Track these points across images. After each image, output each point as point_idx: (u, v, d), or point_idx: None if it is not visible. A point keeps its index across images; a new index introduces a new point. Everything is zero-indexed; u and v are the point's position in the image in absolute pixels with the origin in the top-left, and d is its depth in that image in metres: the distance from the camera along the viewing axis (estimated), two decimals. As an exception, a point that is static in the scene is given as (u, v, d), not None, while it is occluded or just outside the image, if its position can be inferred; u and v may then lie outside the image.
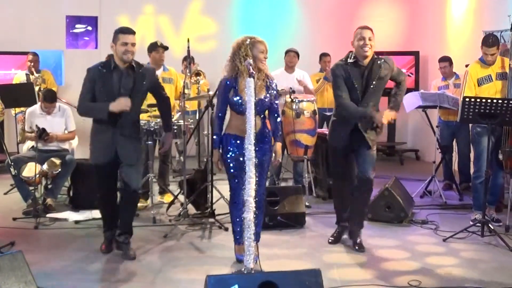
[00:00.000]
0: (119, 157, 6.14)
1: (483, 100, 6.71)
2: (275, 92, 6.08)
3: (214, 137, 6.07)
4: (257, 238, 6.02)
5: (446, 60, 9.54)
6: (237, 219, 6.04)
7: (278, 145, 6.10)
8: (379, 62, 6.28)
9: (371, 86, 6.23)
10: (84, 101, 6.10)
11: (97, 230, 7.24)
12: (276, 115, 6.14)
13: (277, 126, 6.14)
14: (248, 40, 5.85)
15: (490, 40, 7.34)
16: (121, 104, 5.93)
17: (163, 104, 6.60)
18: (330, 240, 6.77)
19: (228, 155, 5.99)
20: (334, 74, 6.35)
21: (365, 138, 6.33)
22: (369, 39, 6.20)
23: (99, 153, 6.20)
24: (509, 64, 7.26)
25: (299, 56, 9.44)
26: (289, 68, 9.32)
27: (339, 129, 6.46)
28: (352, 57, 6.28)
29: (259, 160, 5.69)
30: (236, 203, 6.04)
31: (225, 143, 5.99)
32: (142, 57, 8.25)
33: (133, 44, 6.02)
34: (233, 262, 6.14)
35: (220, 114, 5.99)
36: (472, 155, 8.74)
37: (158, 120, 7.69)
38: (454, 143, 9.60)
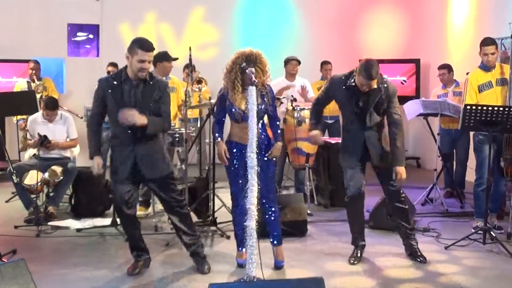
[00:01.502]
0: (140, 173, 5.85)
1: (484, 108, 6.71)
2: (271, 96, 6.13)
3: (216, 134, 6.16)
4: (278, 241, 6.26)
5: (444, 68, 9.55)
6: (239, 224, 6.11)
7: (278, 144, 6.14)
8: (380, 86, 6.11)
9: (370, 109, 6.12)
10: (92, 117, 5.95)
11: (98, 238, 7.25)
12: (276, 121, 6.28)
13: (277, 129, 6.26)
14: (243, 64, 5.85)
15: (488, 40, 7.38)
16: (96, 167, 5.84)
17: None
18: (351, 261, 6.45)
19: (230, 161, 6.11)
20: (330, 83, 6.37)
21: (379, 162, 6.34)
22: (367, 85, 6.00)
23: (118, 171, 5.86)
24: (511, 66, 7.28)
25: (300, 64, 9.41)
26: (291, 76, 9.26)
27: (350, 148, 6.34)
28: (353, 81, 6.13)
29: (262, 166, 5.78)
30: (237, 207, 6.16)
31: (227, 149, 6.12)
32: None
33: (150, 62, 5.76)
34: (235, 269, 6.16)
35: (218, 120, 6.19)
36: (468, 163, 8.80)
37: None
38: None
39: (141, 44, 5.69)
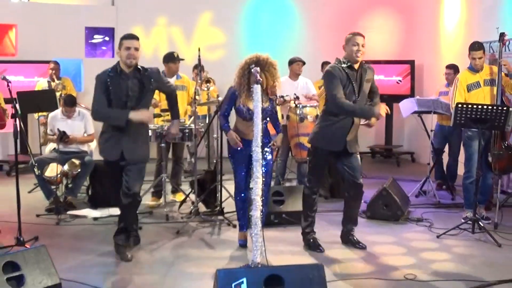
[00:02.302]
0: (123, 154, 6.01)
1: (474, 106, 6.74)
2: (276, 99, 6.33)
3: (225, 125, 6.37)
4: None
5: (451, 68, 9.50)
6: (240, 209, 6.48)
7: (280, 135, 6.48)
8: (365, 66, 6.27)
9: (363, 89, 6.20)
10: (99, 106, 5.94)
11: (114, 227, 7.23)
12: (277, 121, 6.56)
13: (278, 125, 6.57)
14: (253, 66, 5.97)
15: (476, 45, 7.44)
16: (142, 115, 5.91)
17: (171, 96, 6.46)
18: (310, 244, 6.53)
19: (234, 154, 6.36)
20: (332, 75, 6.10)
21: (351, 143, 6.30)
22: (362, 46, 6.14)
23: (108, 151, 6.09)
24: (498, 68, 7.32)
25: (304, 64, 9.39)
26: (295, 76, 9.27)
27: (335, 133, 6.21)
28: (347, 62, 6.17)
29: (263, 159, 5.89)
30: (239, 194, 6.43)
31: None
32: (157, 66, 8.29)
33: (136, 49, 5.89)
34: (241, 255, 6.18)
35: (225, 114, 6.39)
36: (460, 157, 8.81)
37: (171, 124, 7.70)
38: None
39: (124, 36, 5.99)
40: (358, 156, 6.42)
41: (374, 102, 6.39)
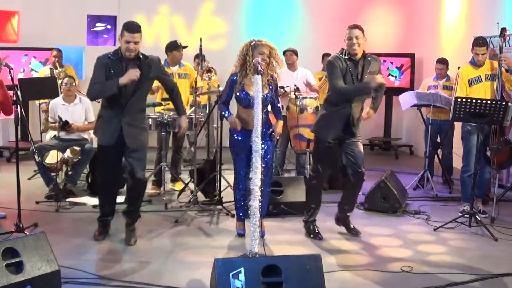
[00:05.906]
0: (124, 143, 5.94)
1: (473, 101, 6.73)
2: (275, 86, 6.22)
3: (225, 111, 6.30)
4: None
5: (444, 63, 9.40)
6: (240, 199, 6.45)
7: (280, 122, 6.33)
8: (369, 58, 6.21)
9: (364, 81, 6.15)
10: (93, 85, 5.93)
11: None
12: (278, 107, 6.40)
13: (279, 112, 6.42)
14: (253, 42, 5.96)
15: (480, 41, 7.39)
16: (130, 74, 5.77)
17: (172, 91, 6.36)
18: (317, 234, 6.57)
19: (235, 144, 6.29)
20: (332, 65, 6.16)
21: (353, 131, 6.30)
22: (357, 38, 6.08)
23: (104, 136, 6.00)
24: (498, 64, 7.31)
25: (297, 54, 9.31)
26: (290, 66, 9.25)
27: (333, 121, 6.23)
28: (347, 54, 6.17)
29: (264, 150, 5.85)
30: (239, 184, 6.40)
31: (233, 133, 6.20)
32: (159, 55, 8.26)
33: (136, 43, 5.81)
34: (239, 244, 6.17)
35: (225, 101, 6.31)
36: (456, 150, 8.77)
37: (172, 113, 7.71)
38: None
39: (127, 27, 5.83)
40: (361, 143, 6.41)
41: (376, 96, 6.43)
